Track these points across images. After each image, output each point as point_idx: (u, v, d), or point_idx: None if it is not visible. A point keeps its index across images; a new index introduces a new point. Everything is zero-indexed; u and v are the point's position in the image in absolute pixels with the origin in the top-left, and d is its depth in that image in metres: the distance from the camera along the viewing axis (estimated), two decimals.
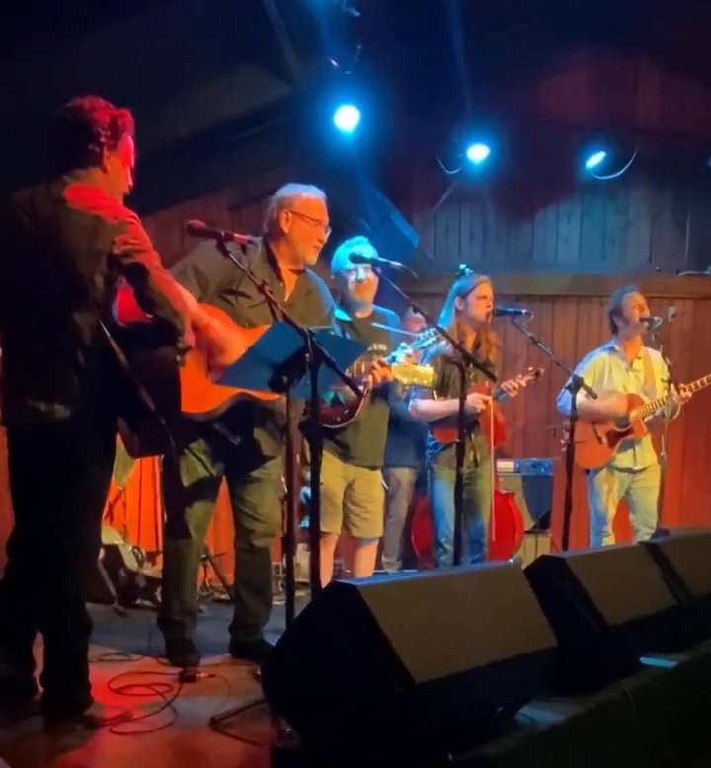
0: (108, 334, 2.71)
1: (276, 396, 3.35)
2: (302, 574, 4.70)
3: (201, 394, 3.37)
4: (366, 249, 4.01)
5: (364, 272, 4.08)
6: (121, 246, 2.66)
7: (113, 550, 4.79)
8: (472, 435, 4.52)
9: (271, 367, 2.92)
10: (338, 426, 4.05)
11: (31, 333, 2.77)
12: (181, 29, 4.05)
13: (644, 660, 2.74)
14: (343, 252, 4.12)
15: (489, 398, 4.47)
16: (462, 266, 4.28)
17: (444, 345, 4.19)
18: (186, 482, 3.55)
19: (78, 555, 2.82)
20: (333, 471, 4.05)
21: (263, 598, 3.84)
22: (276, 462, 3.75)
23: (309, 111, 5.20)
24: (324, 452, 3.91)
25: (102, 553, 4.71)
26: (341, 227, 5.53)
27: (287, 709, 2.15)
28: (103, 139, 2.76)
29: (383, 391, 4.11)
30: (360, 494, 4.20)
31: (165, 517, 3.72)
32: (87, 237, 2.66)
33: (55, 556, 2.80)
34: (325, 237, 3.66)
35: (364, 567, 4.39)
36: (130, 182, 2.91)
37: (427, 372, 3.92)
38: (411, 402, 4.52)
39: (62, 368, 2.72)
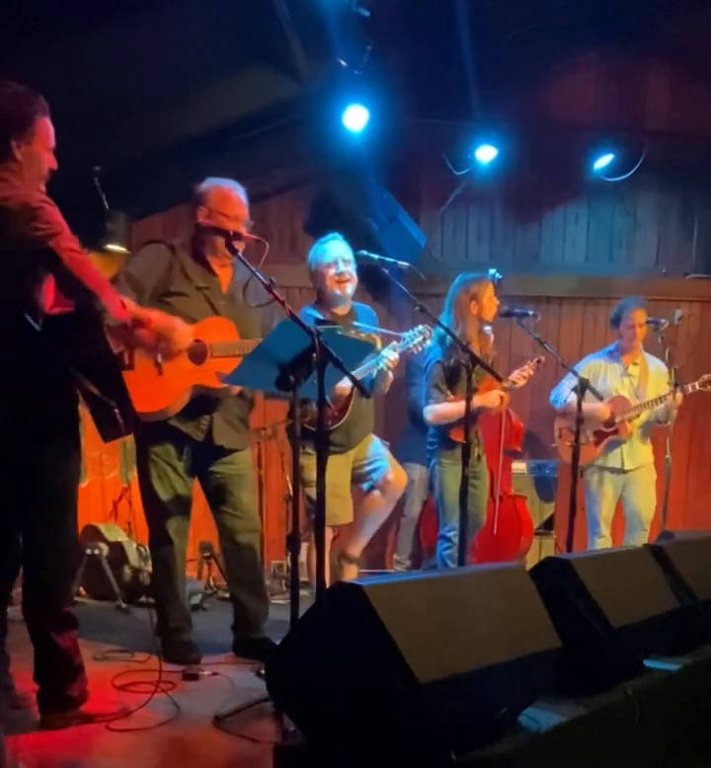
0: (34, 325, 2.66)
1: (234, 386, 3.49)
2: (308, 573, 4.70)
3: (154, 393, 3.39)
4: (340, 245, 4.07)
5: (344, 266, 4.08)
6: (32, 232, 2.60)
7: (117, 547, 4.81)
8: (477, 431, 4.54)
9: (277, 366, 2.91)
10: (332, 428, 4.09)
11: None
12: (189, 28, 4.05)
13: (648, 663, 2.74)
14: (318, 248, 4.15)
15: (504, 393, 4.46)
16: (491, 271, 4.23)
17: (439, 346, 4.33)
18: (159, 489, 3.58)
19: (54, 552, 2.81)
20: (335, 465, 3.96)
21: (259, 595, 3.83)
22: (246, 455, 3.79)
23: (318, 110, 5.20)
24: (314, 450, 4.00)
25: (106, 550, 4.75)
26: (348, 227, 5.56)
27: (291, 707, 2.15)
28: (9, 130, 2.69)
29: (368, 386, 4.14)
30: (360, 456, 4.26)
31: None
32: None
33: (38, 553, 2.82)
34: (243, 231, 3.51)
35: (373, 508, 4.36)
36: (52, 164, 2.81)
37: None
38: (427, 408, 4.50)
39: (1, 368, 2.71)
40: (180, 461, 3.59)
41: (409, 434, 5.65)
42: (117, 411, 2.75)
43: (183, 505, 3.66)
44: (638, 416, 5.05)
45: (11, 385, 2.70)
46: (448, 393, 4.44)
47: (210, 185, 3.64)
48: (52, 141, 2.81)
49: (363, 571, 5.59)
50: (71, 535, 2.93)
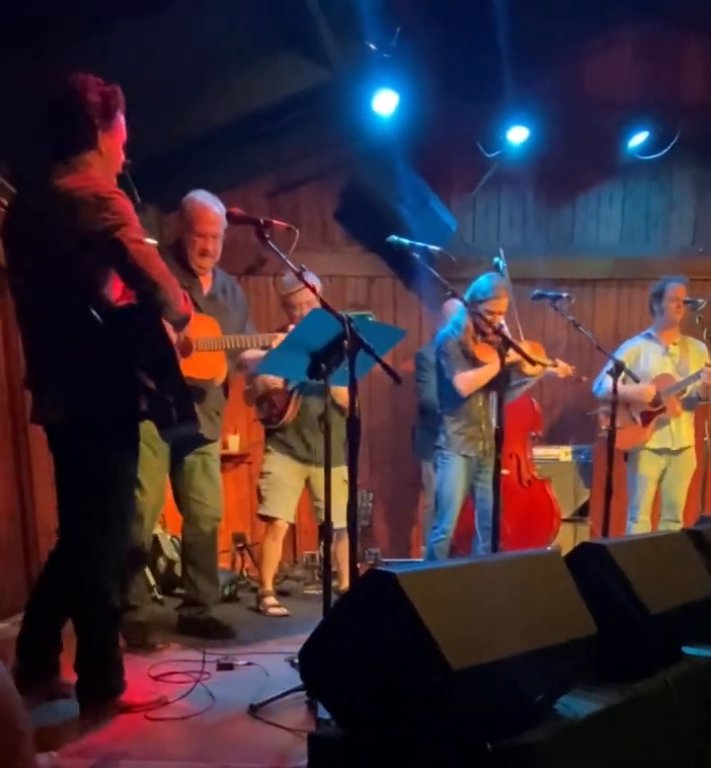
0: (98, 318, 2.66)
1: (215, 376, 3.74)
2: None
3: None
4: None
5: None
6: (101, 223, 2.61)
7: (152, 540, 4.85)
8: (482, 426, 4.54)
9: (308, 354, 2.92)
10: (273, 428, 4.52)
11: (39, 327, 2.80)
12: (218, 18, 4.04)
13: (686, 649, 2.70)
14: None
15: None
16: (496, 259, 4.20)
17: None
18: (140, 470, 3.60)
19: (105, 544, 2.84)
20: (282, 464, 4.52)
21: (212, 579, 4.09)
22: (217, 445, 4.02)
23: (347, 96, 5.18)
24: (273, 447, 4.53)
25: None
26: (378, 213, 5.54)
27: (324, 696, 2.16)
28: (96, 121, 2.72)
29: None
30: (318, 489, 4.44)
31: None
32: (68, 219, 2.63)
33: (83, 545, 2.85)
34: (211, 247, 3.79)
35: (341, 554, 4.52)
36: (124, 158, 2.86)
37: None
38: (455, 378, 4.47)
39: (68, 359, 2.73)
40: (159, 444, 3.69)
41: (421, 431, 5.65)
42: (173, 407, 2.78)
43: (160, 489, 3.85)
44: (685, 391, 5.00)
45: (72, 377, 2.72)
46: (467, 362, 4.46)
47: (190, 198, 3.82)
48: (125, 137, 2.86)
49: (389, 559, 5.63)
50: (123, 529, 2.93)
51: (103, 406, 2.74)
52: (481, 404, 4.56)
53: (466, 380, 4.45)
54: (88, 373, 2.72)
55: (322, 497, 4.41)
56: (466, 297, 4.32)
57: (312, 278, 3.94)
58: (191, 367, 3.58)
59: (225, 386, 4.00)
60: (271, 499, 4.52)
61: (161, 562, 4.84)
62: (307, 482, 4.60)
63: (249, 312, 4.21)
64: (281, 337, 3.79)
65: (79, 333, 2.69)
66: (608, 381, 4.48)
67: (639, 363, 5.05)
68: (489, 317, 4.30)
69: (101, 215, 2.61)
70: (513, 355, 4.09)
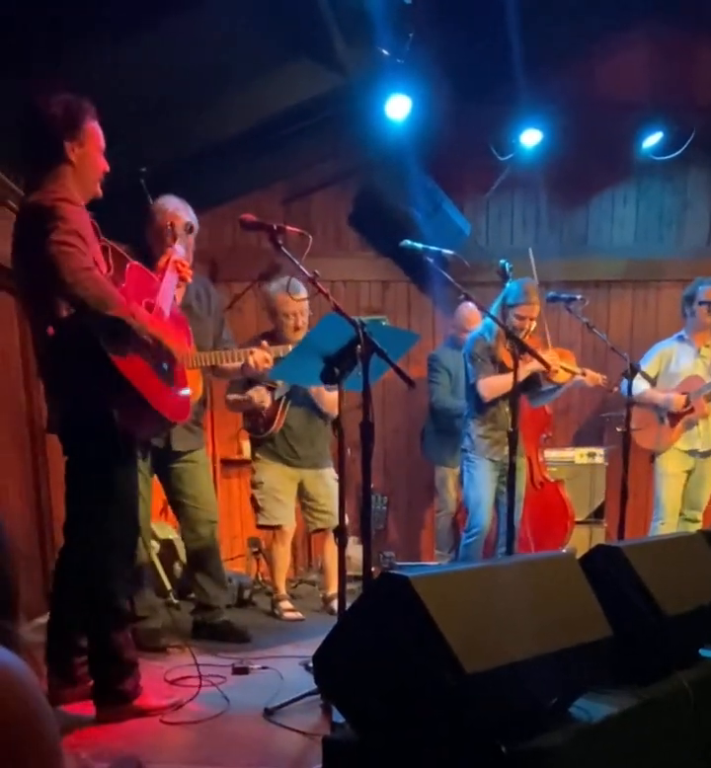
0: (50, 329, 2.71)
1: (193, 394, 3.60)
2: (353, 566, 4.75)
3: (181, 400, 3.50)
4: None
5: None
6: (42, 233, 2.64)
7: (168, 544, 4.88)
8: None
9: (322, 359, 2.93)
10: (260, 437, 4.53)
11: (33, 336, 2.92)
12: (231, 26, 4.07)
13: (703, 652, 2.69)
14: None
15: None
16: (502, 261, 4.20)
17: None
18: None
19: (107, 545, 2.88)
20: (274, 471, 4.53)
21: (219, 581, 4.13)
22: (202, 452, 4.09)
23: (360, 101, 5.19)
24: (262, 455, 4.55)
25: (157, 547, 4.85)
26: (392, 218, 5.55)
27: (339, 700, 2.17)
28: (61, 133, 2.76)
29: (308, 402, 4.49)
30: (310, 490, 4.58)
31: None
32: (26, 234, 2.73)
33: (81, 548, 2.91)
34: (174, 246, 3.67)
35: (333, 555, 4.58)
36: (105, 166, 2.89)
37: None
38: (479, 383, 4.47)
39: (50, 366, 2.82)
40: (142, 461, 3.71)
41: (431, 433, 5.65)
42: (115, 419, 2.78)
43: (145, 503, 3.81)
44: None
45: (57, 384, 2.84)
46: (494, 368, 4.45)
47: (162, 207, 3.77)
48: (103, 143, 2.89)
49: (403, 563, 5.63)
50: (123, 532, 2.96)
51: (82, 410, 2.80)
52: (507, 409, 4.49)
53: (489, 386, 4.46)
54: (65, 380, 2.80)
55: (316, 499, 4.60)
56: (498, 303, 4.33)
57: (298, 287, 4.00)
58: None
59: (204, 398, 4.06)
60: (269, 508, 4.54)
61: (177, 566, 4.85)
62: (299, 485, 4.62)
63: (225, 316, 4.22)
64: (257, 352, 3.86)
65: (45, 342, 2.78)
66: (637, 383, 4.51)
67: (670, 365, 5.06)
68: (519, 322, 4.30)
69: (43, 226, 2.66)
70: (537, 363, 4.10)
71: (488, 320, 4.56)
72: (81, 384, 2.76)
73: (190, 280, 3.43)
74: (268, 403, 4.44)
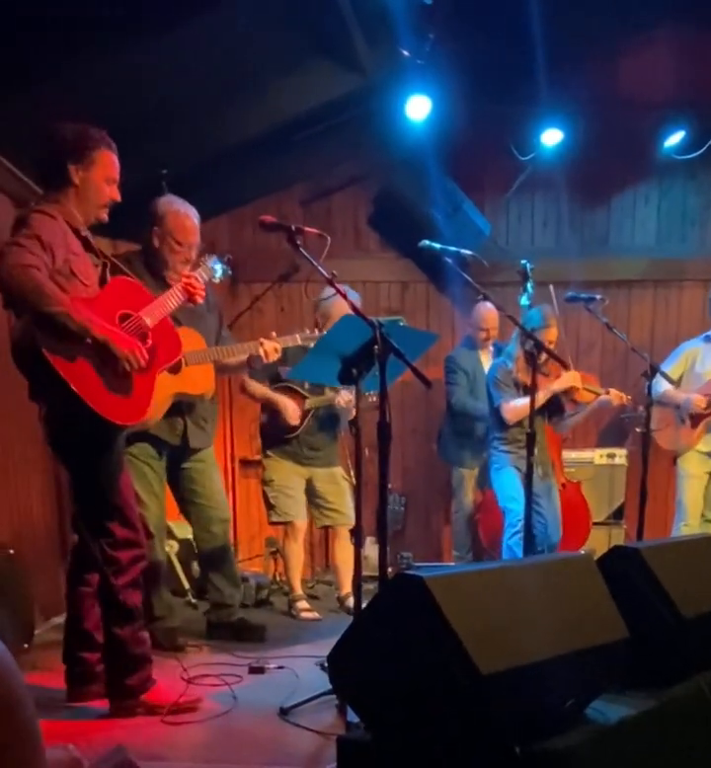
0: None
1: (205, 391, 3.84)
2: (370, 567, 4.77)
3: (137, 404, 3.52)
4: None
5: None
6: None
7: (185, 544, 4.92)
8: (535, 452, 4.54)
9: (340, 360, 2.94)
10: (285, 436, 4.62)
11: None
12: (251, 27, 4.08)
13: None
14: None
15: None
16: (523, 261, 4.19)
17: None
18: (139, 487, 3.73)
19: (93, 539, 2.98)
20: (284, 468, 4.62)
21: (233, 580, 4.17)
22: (211, 450, 4.13)
23: (380, 103, 5.19)
24: (274, 453, 4.64)
25: (176, 547, 4.90)
26: (412, 219, 5.54)
27: (354, 700, 2.18)
28: (67, 155, 2.87)
29: (329, 411, 4.64)
30: (320, 488, 4.67)
31: None
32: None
33: (81, 544, 3.07)
34: (193, 256, 3.77)
35: (342, 555, 4.69)
36: (114, 195, 2.96)
37: None
38: (503, 406, 4.58)
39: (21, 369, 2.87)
40: (157, 461, 3.86)
41: (450, 437, 5.64)
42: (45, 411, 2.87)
43: (160, 502, 3.94)
44: None
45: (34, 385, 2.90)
46: (517, 391, 4.53)
47: (167, 208, 3.78)
48: (116, 174, 2.96)
49: (420, 563, 5.63)
50: (110, 527, 3.00)
51: (49, 405, 2.88)
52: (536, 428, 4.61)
53: (513, 410, 4.56)
54: (29, 378, 2.87)
55: (325, 496, 4.67)
56: (517, 332, 4.48)
57: (353, 296, 3.99)
58: (182, 383, 3.74)
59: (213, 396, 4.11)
60: (281, 505, 4.61)
61: (195, 566, 4.89)
62: (308, 481, 4.67)
63: (223, 313, 4.27)
64: (267, 343, 3.89)
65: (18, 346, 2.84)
66: (659, 384, 4.51)
67: (695, 365, 5.05)
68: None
69: (13, 233, 2.75)
70: (562, 382, 4.17)
71: (509, 347, 4.66)
72: (33, 381, 2.85)
73: (200, 302, 3.44)
74: (297, 421, 4.54)
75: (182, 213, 3.77)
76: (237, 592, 4.19)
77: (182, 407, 3.84)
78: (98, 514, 2.96)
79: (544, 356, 4.25)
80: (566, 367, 4.25)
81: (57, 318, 2.68)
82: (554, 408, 4.66)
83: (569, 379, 4.52)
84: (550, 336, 4.47)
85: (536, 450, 4.51)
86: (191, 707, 3.03)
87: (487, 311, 5.29)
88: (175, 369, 3.68)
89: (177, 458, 3.97)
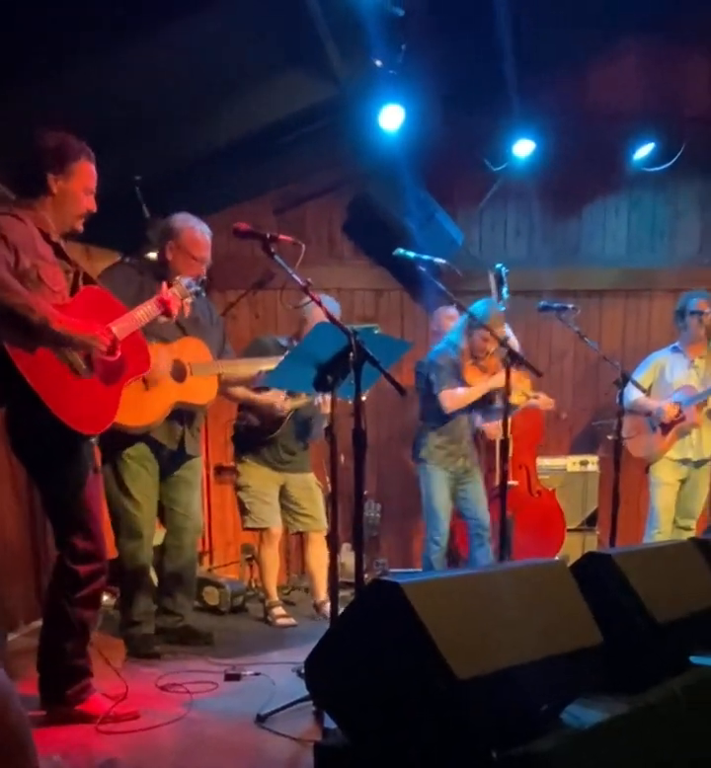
0: None
1: (208, 401, 3.90)
2: (346, 573, 4.76)
3: (141, 408, 3.64)
4: None
5: None
6: None
7: (159, 550, 4.86)
8: (463, 444, 4.75)
9: (315, 367, 2.95)
10: (263, 437, 4.60)
11: None
12: (225, 35, 4.08)
13: (693, 659, 2.70)
14: None
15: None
16: (498, 265, 4.24)
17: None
18: (133, 488, 3.83)
19: (56, 547, 2.97)
20: (260, 474, 4.61)
21: (190, 592, 4.20)
22: (199, 460, 4.17)
23: (354, 112, 5.20)
24: (249, 458, 4.63)
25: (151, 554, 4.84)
26: (385, 228, 5.57)
27: (331, 706, 2.18)
28: (47, 164, 2.86)
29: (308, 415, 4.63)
30: (293, 494, 4.67)
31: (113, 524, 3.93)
32: None
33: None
34: (204, 271, 3.86)
35: (317, 561, 4.74)
36: (90, 205, 2.96)
37: None
38: (440, 395, 4.59)
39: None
40: (152, 463, 3.88)
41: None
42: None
43: (152, 505, 3.95)
44: (706, 402, 5.04)
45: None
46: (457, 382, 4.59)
47: (184, 224, 3.89)
48: (93, 185, 2.96)
49: (396, 570, 5.64)
50: (54, 532, 3.00)
51: (9, 406, 2.84)
52: (464, 422, 4.73)
53: (453, 397, 4.58)
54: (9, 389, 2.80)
55: (298, 502, 4.69)
56: (463, 319, 4.54)
57: (332, 305, 4.00)
58: (187, 392, 3.79)
59: None
60: (257, 511, 4.60)
61: None
62: (282, 487, 4.68)
63: (226, 331, 4.32)
64: (270, 363, 3.92)
65: None
66: (631, 392, 4.57)
67: (665, 375, 5.13)
68: (481, 343, 4.54)
69: None
70: (500, 381, 4.22)
71: (451, 335, 4.68)
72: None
73: (174, 319, 3.43)
74: (288, 407, 4.50)
75: (198, 230, 3.88)
76: (189, 604, 4.19)
77: (182, 414, 3.88)
78: (60, 525, 2.94)
79: (485, 353, 4.46)
80: (538, 374, 4.27)
81: (17, 310, 2.62)
82: (484, 399, 4.72)
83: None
84: (498, 330, 4.46)
85: (464, 443, 4.72)
86: (129, 717, 2.97)
87: (447, 317, 5.31)
88: (180, 378, 3.76)
89: (170, 463, 3.98)
